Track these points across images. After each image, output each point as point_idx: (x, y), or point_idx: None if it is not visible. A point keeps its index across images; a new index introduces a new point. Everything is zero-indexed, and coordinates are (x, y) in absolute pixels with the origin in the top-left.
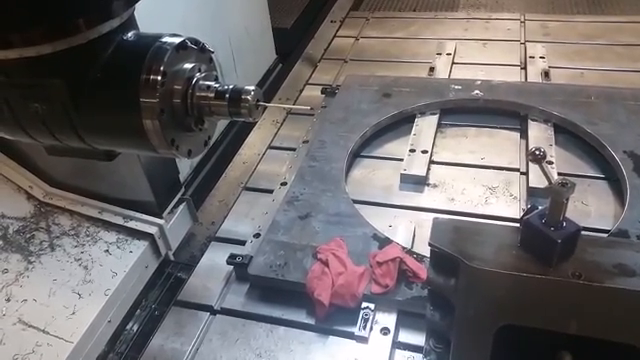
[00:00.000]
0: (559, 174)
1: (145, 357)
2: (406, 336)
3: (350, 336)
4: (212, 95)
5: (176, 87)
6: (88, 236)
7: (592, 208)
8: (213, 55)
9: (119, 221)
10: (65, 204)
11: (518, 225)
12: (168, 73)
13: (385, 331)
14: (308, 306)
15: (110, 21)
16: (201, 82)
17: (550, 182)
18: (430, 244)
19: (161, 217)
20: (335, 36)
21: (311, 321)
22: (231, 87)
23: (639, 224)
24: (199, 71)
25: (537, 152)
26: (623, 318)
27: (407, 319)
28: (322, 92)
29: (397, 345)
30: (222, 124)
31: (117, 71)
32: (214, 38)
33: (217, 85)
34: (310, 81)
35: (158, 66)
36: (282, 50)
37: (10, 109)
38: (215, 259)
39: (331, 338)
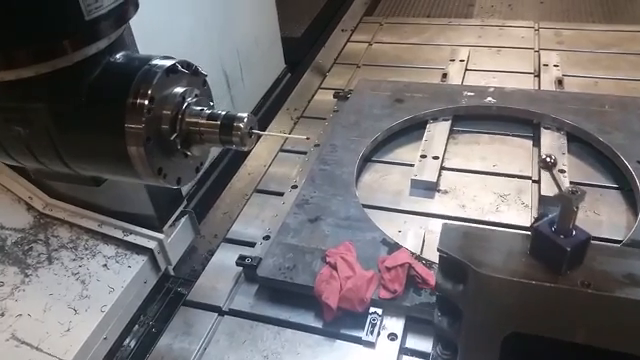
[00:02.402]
0: (571, 183)
1: (153, 356)
2: (413, 342)
3: (357, 341)
4: (203, 121)
5: (165, 112)
6: (87, 249)
7: (604, 218)
8: (207, 78)
9: (118, 235)
10: (65, 216)
11: (528, 232)
12: (156, 98)
13: (392, 337)
14: (316, 309)
15: (97, 42)
16: (192, 107)
17: (560, 189)
18: (439, 249)
19: (161, 231)
20: (348, 41)
21: (319, 324)
22: (223, 113)
23: None
24: (191, 95)
25: (548, 159)
26: (632, 329)
27: (415, 325)
28: (334, 96)
29: (404, 351)
30: None
31: (102, 95)
32: (222, 50)
33: (209, 110)
34: (322, 85)
35: (146, 90)
36: (291, 59)
37: None
38: (225, 260)
39: (338, 342)
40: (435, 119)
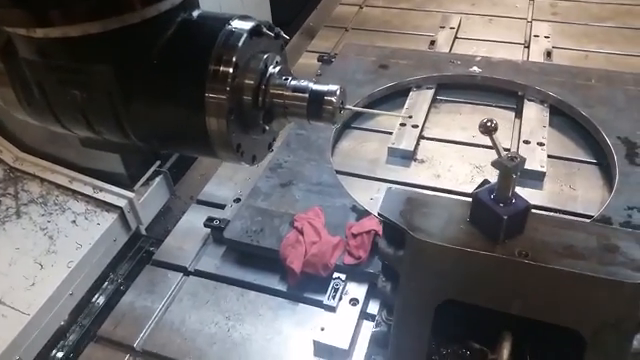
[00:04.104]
0: (549, 156)
1: (114, 313)
2: (375, 307)
3: (319, 304)
4: (289, 93)
5: (247, 82)
6: (56, 205)
7: (579, 192)
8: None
9: (89, 191)
10: (35, 171)
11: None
12: (240, 65)
13: (354, 302)
14: (281, 273)
15: None
16: (275, 76)
17: (499, 155)
18: (379, 214)
19: (132, 190)
20: (340, 3)
21: (283, 288)
22: (311, 85)
23: (624, 211)
24: (272, 62)
25: (488, 123)
26: (567, 302)
27: (377, 291)
28: (319, 60)
29: (365, 316)
30: None
31: (178, 58)
32: (203, 5)
33: (294, 81)
34: (308, 48)
35: (230, 56)
36: (280, 20)
37: (43, 94)
38: (194, 221)
39: (301, 306)
40: (419, 87)
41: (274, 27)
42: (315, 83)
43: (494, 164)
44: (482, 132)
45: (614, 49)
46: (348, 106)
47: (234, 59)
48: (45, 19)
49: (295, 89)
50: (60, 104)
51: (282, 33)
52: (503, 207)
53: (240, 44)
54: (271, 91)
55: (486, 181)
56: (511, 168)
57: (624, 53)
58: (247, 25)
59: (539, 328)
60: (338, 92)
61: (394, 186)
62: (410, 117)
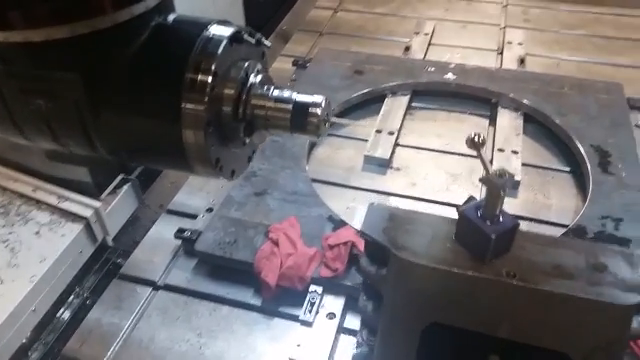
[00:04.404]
0: (523, 165)
1: (80, 330)
2: (352, 321)
3: (295, 319)
4: (271, 104)
5: (227, 92)
6: (19, 215)
7: (553, 202)
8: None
9: (53, 201)
10: None
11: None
12: (219, 73)
13: (331, 315)
14: (255, 286)
15: (146, 0)
16: (257, 86)
17: (487, 172)
18: (361, 231)
19: (99, 199)
20: (314, 7)
21: (257, 302)
22: (294, 95)
23: (597, 221)
24: (253, 71)
25: (476, 138)
26: (557, 324)
27: (355, 304)
28: (293, 64)
29: (343, 330)
30: None
31: (152, 66)
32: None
33: (276, 91)
34: (283, 52)
35: (208, 64)
36: (254, 23)
37: (3, 103)
38: (163, 232)
39: (276, 320)
40: (394, 93)
41: (255, 33)
42: (299, 93)
43: (482, 181)
44: (469, 147)
45: (585, 57)
46: (334, 118)
47: (213, 67)
48: (4, 22)
49: (278, 100)
50: (23, 114)
51: (264, 40)
52: (491, 225)
53: (219, 51)
54: (252, 102)
55: (472, 197)
56: (500, 185)
57: (594, 61)
58: (227, 31)
59: (527, 351)
60: (323, 103)
61: (376, 202)
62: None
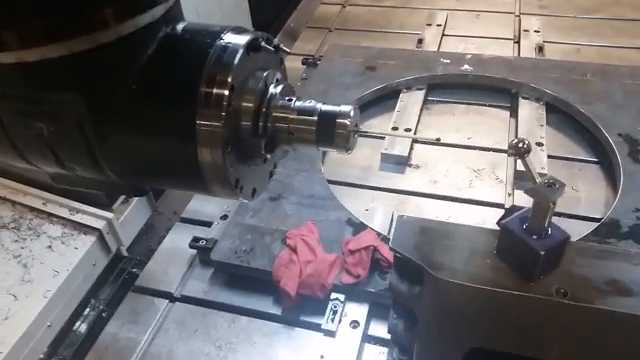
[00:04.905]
0: (549, 157)
1: (97, 347)
2: (378, 329)
3: (317, 328)
4: (294, 116)
5: (245, 105)
6: (30, 230)
7: (582, 194)
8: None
9: (64, 214)
10: (6, 193)
11: (496, 227)
12: (236, 85)
13: (355, 324)
14: (275, 295)
15: (152, 9)
16: (277, 97)
17: (535, 181)
18: (391, 248)
19: (111, 210)
20: (321, 2)
21: (277, 311)
22: (319, 105)
23: (632, 214)
24: (273, 81)
25: (520, 145)
26: (615, 347)
27: (379, 311)
28: (303, 63)
29: (367, 339)
30: None
31: (162, 81)
32: None
33: (299, 102)
34: (292, 51)
35: (224, 76)
36: (260, 22)
37: (2, 127)
38: (178, 242)
39: (297, 330)
40: (409, 88)
41: (272, 39)
42: (324, 104)
43: (529, 192)
44: (512, 154)
45: (606, 42)
46: (364, 129)
47: (229, 79)
48: None
49: (301, 111)
50: (23, 139)
51: (282, 46)
52: (538, 240)
53: (236, 62)
54: (273, 114)
55: (515, 207)
56: (549, 197)
57: (616, 45)
58: (242, 39)
59: None
60: (352, 113)
61: (405, 214)
62: (438, 139)
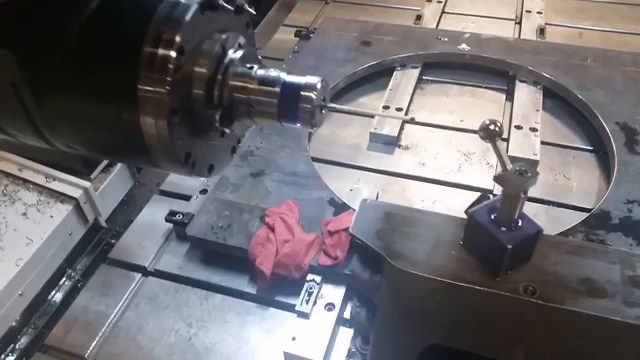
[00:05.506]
0: (542, 143)
1: (65, 318)
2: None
3: (291, 309)
4: (254, 86)
5: (198, 70)
6: (5, 196)
7: (574, 183)
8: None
9: (41, 181)
10: None
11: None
12: (186, 47)
13: (330, 307)
14: (251, 273)
15: None
16: (237, 64)
17: (505, 168)
18: (351, 233)
19: (89, 179)
20: None
21: (252, 290)
22: (283, 75)
23: (623, 205)
24: (233, 45)
25: (491, 126)
26: (584, 351)
27: (356, 294)
28: (296, 35)
29: (342, 322)
30: None
31: (102, 40)
32: None
33: (261, 70)
34: (285, 22)
35: (172, 34)
36: None
37: None
38: (155, 215)
39: (271, 311)
40: (403, 66)
41: None
42: (289, 74)
43: (497, 179)
44: (483, 137)
45: (610, 26)
46: (331, 104)
47: (178, 39)
48: None
49: (262, 81)
50: None
51: (247, 6)
52: (507, 232)
53: (187, 19)
54: (231, 83)
55: (484, 196)
56: (519, 185)
57: (620, 31)
58: None
59: None
60: (319, 85)
61: (369, 198)
62: (413, 119)
